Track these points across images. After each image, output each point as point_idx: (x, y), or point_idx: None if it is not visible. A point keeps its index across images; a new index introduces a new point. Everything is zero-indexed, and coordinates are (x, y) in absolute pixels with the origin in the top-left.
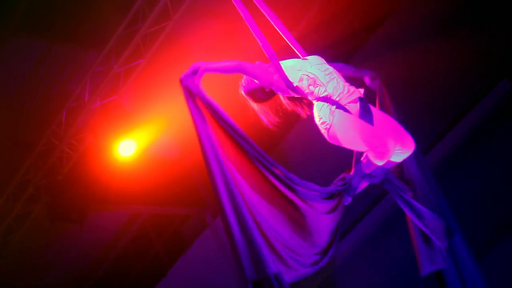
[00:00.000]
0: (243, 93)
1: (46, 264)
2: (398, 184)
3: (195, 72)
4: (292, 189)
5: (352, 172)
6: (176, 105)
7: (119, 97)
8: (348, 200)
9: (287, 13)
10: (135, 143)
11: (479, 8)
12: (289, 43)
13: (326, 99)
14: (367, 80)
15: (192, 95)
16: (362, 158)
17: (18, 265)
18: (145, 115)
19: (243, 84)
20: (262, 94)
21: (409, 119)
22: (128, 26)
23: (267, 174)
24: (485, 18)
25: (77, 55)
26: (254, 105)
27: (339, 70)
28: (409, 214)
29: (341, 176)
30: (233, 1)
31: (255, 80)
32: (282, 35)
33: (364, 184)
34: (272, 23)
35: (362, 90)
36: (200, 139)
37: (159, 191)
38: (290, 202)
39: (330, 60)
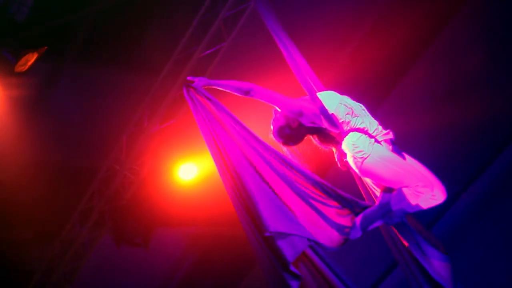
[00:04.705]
0: (272, 136)
1: None
2: (413, 228)
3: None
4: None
5: (375, 205)
6: None
7: (178, 120)
8: (357, 234)
9: (317, 57)
10: (195, 166)
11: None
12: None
13: (363, 131)
14: None
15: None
16: (393, 193)
17: None
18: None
19: (271, 126)
20: (289, 130)
21: (436, 164)
22: (183, 50)
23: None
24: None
25: (135, 80)
26: (284, 149)
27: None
28: (420, 259)
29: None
30: (272, 34)
31: (278, 110)
32: (310, 81)
33: (377, 223)
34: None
35: (392, 133)
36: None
37: (222, 212)
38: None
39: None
